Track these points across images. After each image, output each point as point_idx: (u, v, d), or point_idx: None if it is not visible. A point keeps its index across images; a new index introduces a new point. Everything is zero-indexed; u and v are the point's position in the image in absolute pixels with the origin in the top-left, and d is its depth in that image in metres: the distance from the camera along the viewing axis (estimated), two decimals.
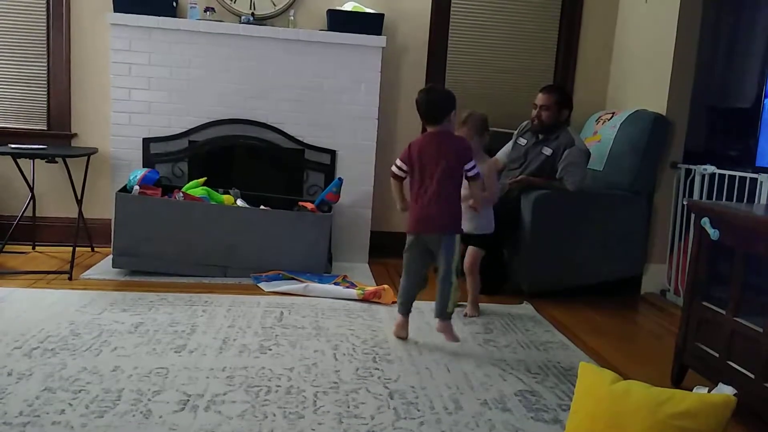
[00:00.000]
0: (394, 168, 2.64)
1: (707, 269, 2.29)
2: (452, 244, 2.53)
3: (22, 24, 3.85)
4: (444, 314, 2.57)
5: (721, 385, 1.73)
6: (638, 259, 3.67)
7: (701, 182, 3.39)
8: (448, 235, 2.54)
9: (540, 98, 3.51)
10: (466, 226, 2.91)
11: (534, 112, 3.53)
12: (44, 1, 3.83)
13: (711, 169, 3.32)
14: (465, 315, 3.02)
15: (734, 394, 1.58)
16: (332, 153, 3.91)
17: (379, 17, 3.86)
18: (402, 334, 2.64)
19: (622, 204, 3.57)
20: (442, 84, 4.19)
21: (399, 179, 2.65)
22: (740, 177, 3.15)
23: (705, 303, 2.28)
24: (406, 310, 2.65)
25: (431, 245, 2.57)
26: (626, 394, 1.62)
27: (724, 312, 2.16)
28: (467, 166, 2.55)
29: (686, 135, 3.69)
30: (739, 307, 2.10)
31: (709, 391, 1.66)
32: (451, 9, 4.18)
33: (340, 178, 3.75)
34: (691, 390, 1.70)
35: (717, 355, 2.18)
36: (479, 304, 3.11)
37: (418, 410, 2.00)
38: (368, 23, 3.83)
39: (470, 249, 3.02)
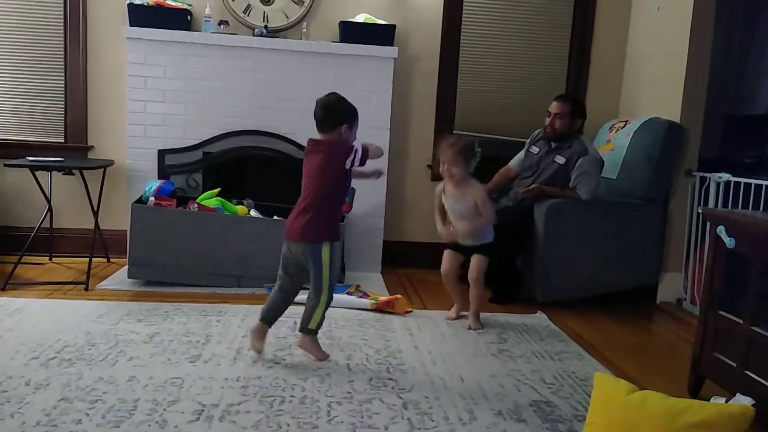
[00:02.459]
0: None
1: (723, 278, 2.27)
2: (317, 254, 2.36)
3: (40, 39, 3.92)
4: (304, 329, 2.45)
5: (738, 395, 1.72)
6: (653, 268, 3.64)
7: (716, 190, 3.36)
8: (313, 245, 2.37)
9: (554, 106, 3.51)
10: (465, 239, 2.96)
11: (547, 120, 3.53)
12: (61, 16, 3.90)
13: (726, 176, 3.30)
14: (468, 328, 2.96)
15: (752, 404, 1.57)
16: None
17: (391, 28, 3.89)
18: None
19: (637, 212, 3.55)
20: (454, 93, 4.21)
21: None
22: (756, 184, 3.12)
23: (722, 312, 2.25)
24: (265, 322, 2.48)
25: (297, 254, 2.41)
26: (642, 404, 1.61)
27: (741, 321, 2.14)
28: (348, 160, 2.32)
29: (701, 142, 3.67)
30: (757, 317, 2.08)
31: (726, 401, 1.65)
32: (463, 19, 4.19)
33: (353, 188, 3.76)
34: (709, 400, 1.68)
35: (734, 364, 2.15)
36: (481, 315, 3.04)
37: (432, 420, 2.00)
38: (380, 34, 3.85)
39: (475, 258, 2.97)
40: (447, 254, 3.05)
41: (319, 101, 2.41)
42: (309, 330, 2.45)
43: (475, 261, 2.97)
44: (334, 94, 2.45)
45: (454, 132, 4.25)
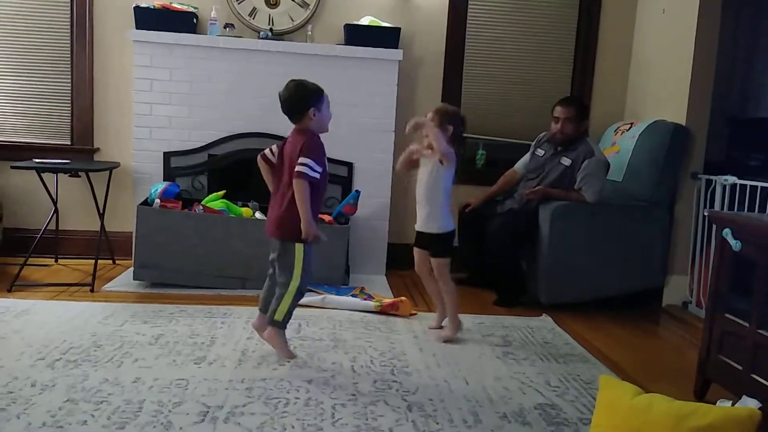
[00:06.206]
0: (267, 151, 2.50)
1: (729, 281, 2.26)
2: (290, 251, 2.38)
3: (47, 41, 3.94)
4: (270, 320, 2.43)
5: (745, 398, 1.71)
6: (659, 271, 3.62)
7: (722, 193, 3.35)
8: (287, 242, 2.39)
9: (560, 111, 3.50)
10: (421, 224, 2.77)
11: (557, 126, 3.50)
12: (68, 20, 3.92)
13: (732, 179, 3.29)
14: (443, 340, 2.75)
15: (759, 408, 1.56)
16: (349, 165, 3.93)
17: (396, 31, 3.90)
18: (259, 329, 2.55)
19: (642, 215, 3.54)
20: (459, 96, 4.21)
21: (268, 163, 2.51)
22: (762, 187, 3.11)
23: (728, 315, 2.24)
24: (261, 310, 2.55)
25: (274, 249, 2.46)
26: (648, 407, 1.60)
27: (747, 324, 2.13)
28: (299, 161, 2.31)
29: (706, 145, 3.65)
30: (763, 319, 2.07)
31: (732, 405, 1.64)
32: (468, 21, 4.19)
33: (357, 191, 3.77)
34: (715, 403, 1.68)
35: (740, 367, 2.14)
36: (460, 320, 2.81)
37: (437, 423, 1.99)
38: (385, 37, 3.86)
39: (432, 262, 2.76)
40: (414, 252, 2.85)
41: (280, 95, 2.39)
42: (275, 321, 2.42)
43: (434, 264, 2.77)
44: (292, 81, 2.41)
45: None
